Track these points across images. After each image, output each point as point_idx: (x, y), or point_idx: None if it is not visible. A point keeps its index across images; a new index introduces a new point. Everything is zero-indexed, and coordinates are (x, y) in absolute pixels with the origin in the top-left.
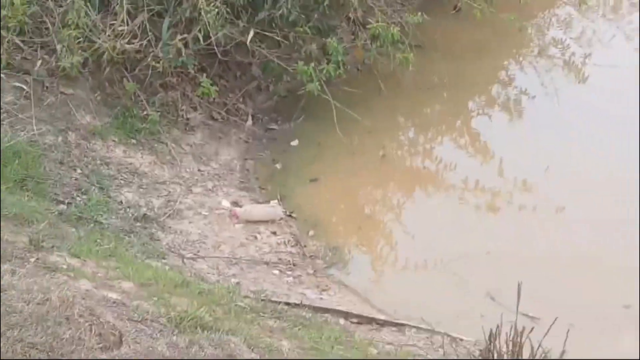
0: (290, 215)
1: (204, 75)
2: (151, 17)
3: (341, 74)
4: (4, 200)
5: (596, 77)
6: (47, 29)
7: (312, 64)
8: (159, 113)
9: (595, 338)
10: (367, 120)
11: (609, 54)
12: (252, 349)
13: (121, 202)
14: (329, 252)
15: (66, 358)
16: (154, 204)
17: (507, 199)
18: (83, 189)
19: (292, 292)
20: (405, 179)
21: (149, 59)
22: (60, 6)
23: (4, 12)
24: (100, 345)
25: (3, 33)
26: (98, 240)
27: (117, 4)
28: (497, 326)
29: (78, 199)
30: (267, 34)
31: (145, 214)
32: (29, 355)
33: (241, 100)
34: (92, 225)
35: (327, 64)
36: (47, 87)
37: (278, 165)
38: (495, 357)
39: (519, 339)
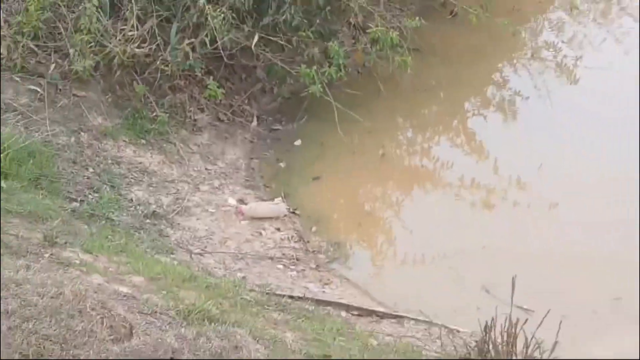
0: (293, 212)
1: (211, 78)
2: (160, 23)
3: (342, 77)
4: (20, 199)
5: (587, 79)
6: (60, 34)
7: (315, 67)
8: (167, 114)
9: (586, 329)
10: (367, 121)
11: (600, 57)
12: (257, 340)
13: (131, 199)
14: (330, 248)
15: (79, 349)
16: (163, 201)
17: (502, 196)
18: (95, 188)
19: (296, 286)
20: (404, 177)
21: (158, 63)
22: (73, 12)
23: (19, 18)
24: (112, 337)
25: (18, 38)
26: (109, 237)
27: (127, 9)
28: (492, 318)
29: (90, 196)
30: (271, 38)
31: (154, 211)
32: (43, 346)
33: (246, 102)
34: (103, 222)
35: (329, 67)
36: (60, 90)
37: (282, 164)
38: (491, 348)
39: (513, 331)
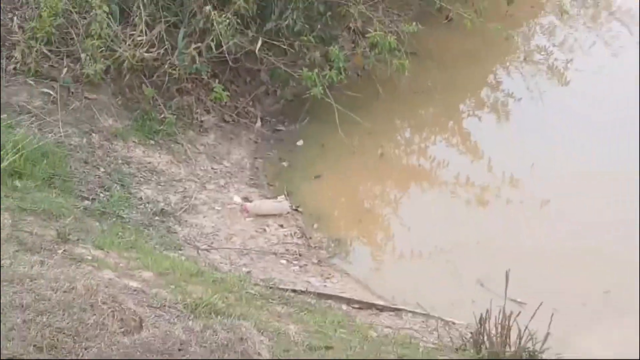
0: (296, 210)
1: (217, 81)
2: (168, 28)
3: (342, 80)
4: (34, 197)
5: (578, 81)
6: (72, 39)
7: (316, 70)
8: (175, 116)
9: (577, 321)
10: (367, 122)
11: (589, 60)
12: (262, 333)
13: (141, 198)
14: (332, 243)
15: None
16: (171, 199)
17: (496, 193)
18: (106, 186)
19: (298, 280)
20: (402, 176)
21: (166, 66)
22: (84, 18)
23: (32, 24)
24: (122, 329)
25: (32, 43)
26: (120, 233)
27: (137, 15)
28: (487, 311)
29: (101, 195)
30: (274, 42)
31: (163, 209)
32: (57, 339)
33: (251, 104)
34: (114, 219)
35: (330, 70)
36: (72, 93)
37: (285, 164)
38: (486, 339)
39: (507, 323)
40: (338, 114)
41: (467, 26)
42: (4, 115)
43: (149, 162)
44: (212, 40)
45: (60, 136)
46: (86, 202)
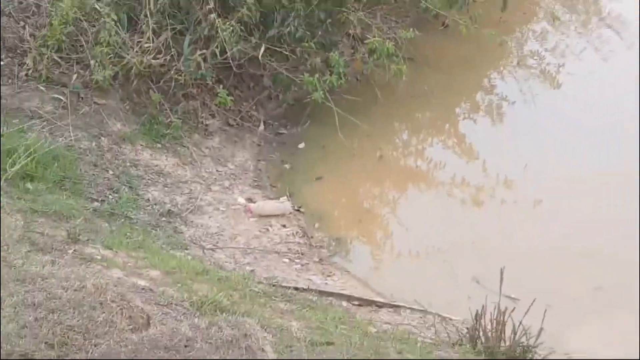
0: (298, 210)
1: (221, 86)
2: (174, 35)
3: (342, 84)
4: (45, 199)
5: (569, 85)
6: (82, 46)
7: (317, 75)
8: (181, 120)
9: (568, 316)
10: (366, 125)
11: (580, 65)
12: (265, 329)
13: (148, 199)
14: (332, 243)
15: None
16: (178, 201)
17: (490, 194)
18: (114, 188)
19: (300, 278)
20: (400, 177)
21: (172, 72)
22: (94, 26)
23: (44, 32)
24: (131, 326)
25: (43, 50)
26: (128, 234)
27: (144, 23)
28: (483, 307)
29: (110, 197)
30: (276, 49)
31: (169, 210)
32: (68, 336)
33: (254, 108)
34: (122, 220)
35: (330, 75)
36: (82, 98)
37: (287, 166)
38: (481, 334)
39: (502, 318)
40: (338, 118)
41: (462, 32)
42: (15, 120)
43: (156, 165)
44: (217, 46)
45: (71, 140)
46: (95, 203)
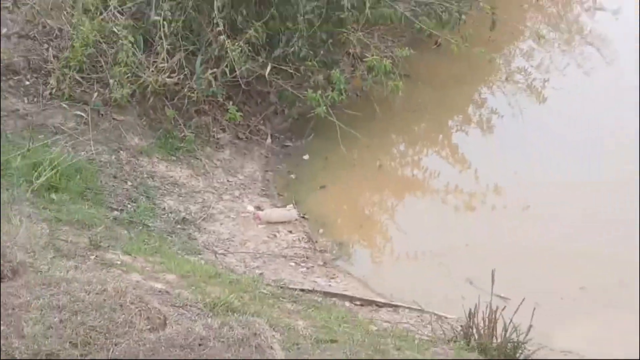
0: (303, 217)
1: (231, 102)
2: (186, 56)
3: (343, 100)
4: (69, 209)
5: (553, 98)
6: (101, 66)
7: (320, 92)
8: (194, 134)
9: (556, 315)
10: (366, 138)
11: (564, 80)
12: (274, 328)
13: (164, 208)
14: (335, 247)
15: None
16: (191, 209)
17: (482, 200)
18: (133, 198)
19: (306, 280)
20: (398, 185)
21: (185, 90)
22: (112, 48)
23: (66, 54)
24: (148, 327)
25: (66, 71)
26: (146, 240)
27: (159, 45)
28: (476, 306)
29: (129, 206)
30: (282, 67)
31: (184, 218)
32: (90, 336)
33: (261, 122)
34: (140, 227)
35: (332, 91)
36: (102, 115)
37: (293, 176)
38: (474, 331)
39: (493, 316)
40: (340, 131)
41: (454, 51)
42: (41, 136)
43: (171, 176)
44: (227, 66)
45: (92, 154)
46: (115, 212)
